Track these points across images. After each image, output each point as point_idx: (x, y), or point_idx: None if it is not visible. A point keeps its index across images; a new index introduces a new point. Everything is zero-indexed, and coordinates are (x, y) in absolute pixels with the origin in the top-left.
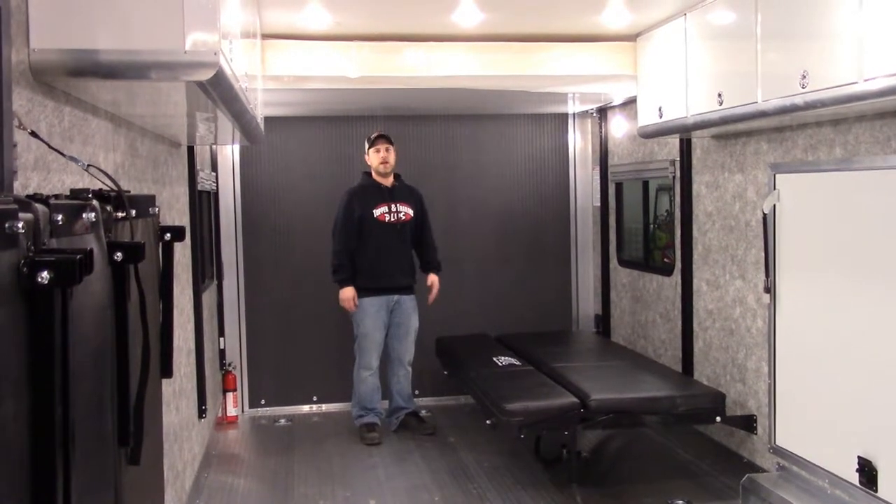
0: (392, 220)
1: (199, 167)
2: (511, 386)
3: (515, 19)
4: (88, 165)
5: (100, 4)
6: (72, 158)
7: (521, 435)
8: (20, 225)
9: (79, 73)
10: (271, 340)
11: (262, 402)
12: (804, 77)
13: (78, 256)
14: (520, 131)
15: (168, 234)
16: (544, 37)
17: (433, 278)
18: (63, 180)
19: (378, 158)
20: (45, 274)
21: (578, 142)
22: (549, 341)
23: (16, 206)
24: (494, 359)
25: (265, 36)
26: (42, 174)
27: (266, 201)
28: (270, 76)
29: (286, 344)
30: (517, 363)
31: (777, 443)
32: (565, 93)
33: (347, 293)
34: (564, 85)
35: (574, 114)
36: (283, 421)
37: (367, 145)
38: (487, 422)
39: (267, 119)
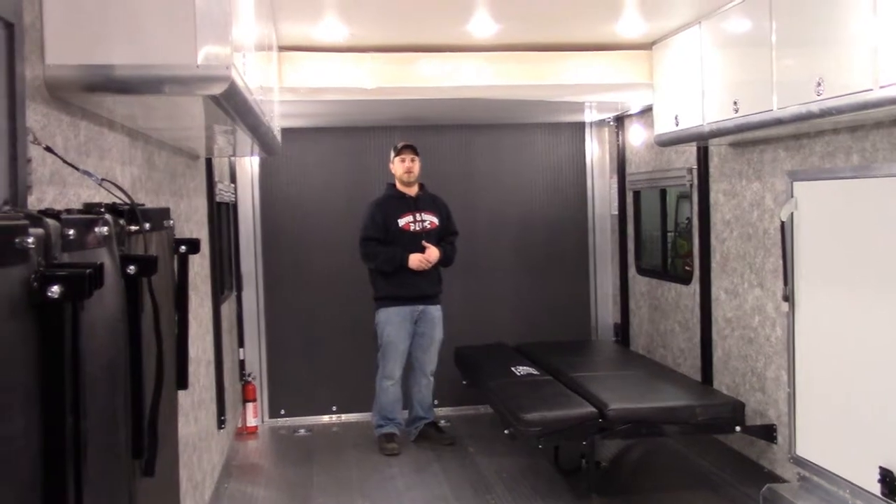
0: (417, 229)
1: (217, 179)
2: (529, 396)
3: (530, 29)
4: (102, 180)
5: (113, 20)
6: (85, 173)
7: (540, 445)
8: (30, 240)
9: (94, 88)
10: (291, 351)
11: (282, 412)
12: (819, 84)
13: (88, 271)
14: (537, 140)
15: (183, 247)
16: (560, 46)
17: (433, 248)
18: (79, 194)
19: (403, 168)
20: (55, 288)
21: (596, 150)
22: (568, 350)
23: (26, 222)
24: (513, 368)
25: (281, 48)
26: (58, 188)
27: (285, 212)
28: (287, 88)
29: (306, 354)
30: (536, 373)
31: (797, 452)
32: (581, 102)
33: (415, 259)
34: (580, 94)
35: (591, 123)
36: (302, 431)
37: (392, 154)
38: (506, 432)
39: (285, 130)
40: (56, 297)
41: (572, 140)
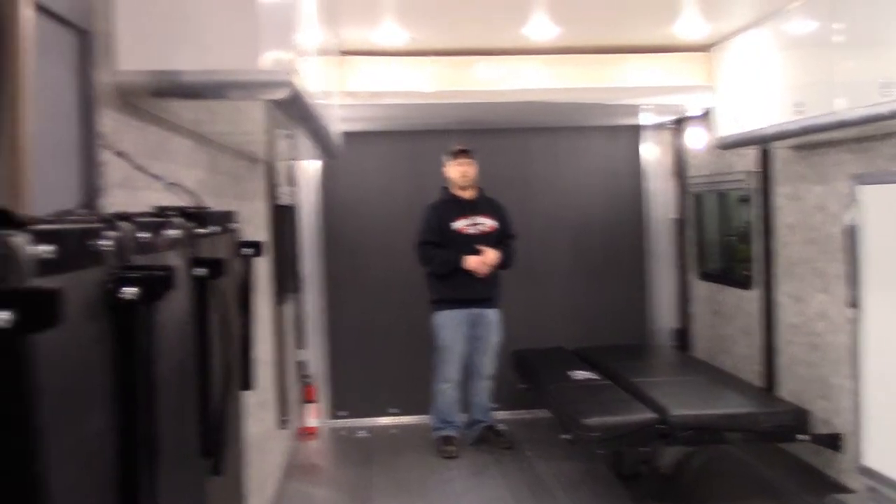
0: (473, 232)
1: (278, 182)
2: (588, 400)
3: (588, 31)
4: (171, 183)
5: (180, 26)
6: (155, 177)
7: (600, 450)
8: (106, 242)
9: (162, 93)
10: (352, 352)
11: (343, 413)
12: (886, 86)
13: (162, 273)
14: (594, 144)
15: (247, 249)
16: (617, 48)
17: (490, 250)
18: (148, 197)
19: (458, 172)
20: (130, 290)
21: (654, 153)
22: (627, 355)
23: (101, 225)
24: (571, 372)
25: (342, 52)
26: (128, 192)
27: (346, 215)
28: (348, 92)
29: (367, 356)
30: (594, 377)
31: (864, 462)
32: (639, 104)
33: (472, 262)
34: (638, 97)
35: (649, 125)
36: (362, 432)
37: (446, 159)
38: (565, 436)
39: (345, 134)
40: (131, 298)
41: (630, 143)
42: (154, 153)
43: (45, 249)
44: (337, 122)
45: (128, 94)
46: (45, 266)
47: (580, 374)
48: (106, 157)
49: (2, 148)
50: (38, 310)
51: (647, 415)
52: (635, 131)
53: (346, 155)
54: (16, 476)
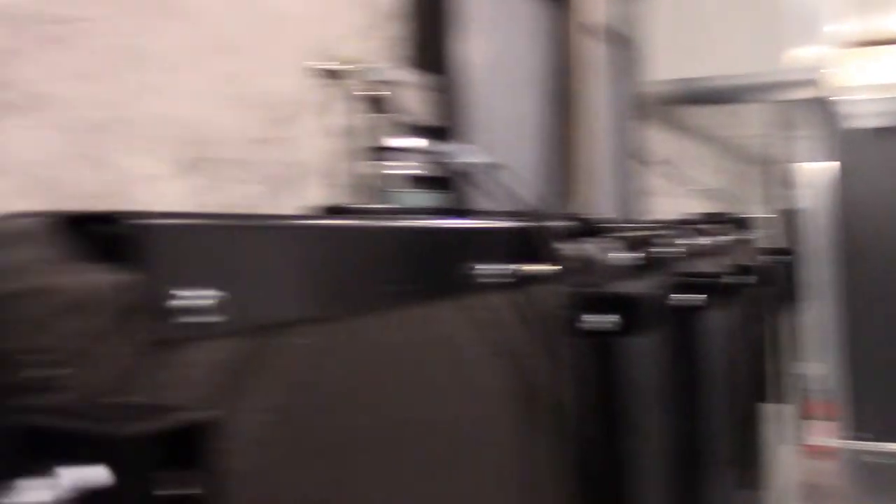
0: None
1: (786, 185)
2: None
3: None
4: (704, 189)
5: (701, 33)
6: (686, 182)
7: None
8: (670, 249)
9: (685, 100)
10: (878, 369)
11: (865, 435)
12: None
13: (722, 280)
14: None
15: (767, 256)
16: None
17: None
18: (678, 203)
19: None
20: (692, 296)
21: None
22: None
23: (661, 233)
24: None
25: (868, 43)
26: (660, 199)
27: (863, 219)
28: (873, 85)
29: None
30: None
31: None
32: None
33: None
34: None
35: None
36: (889, 458)
37: None
38: None
39: (867, 132)
40: (693, 305)
41: None
42: (681, 159)
43: (629, 256)
44: (859, 119)
45: (659, 102)
46: (625, 272)
47: None
48: (644, 164)
49: (573, 161)
50: (637, 315)
51: None
52: None
53: (867, 153)
54: (616, 465)
